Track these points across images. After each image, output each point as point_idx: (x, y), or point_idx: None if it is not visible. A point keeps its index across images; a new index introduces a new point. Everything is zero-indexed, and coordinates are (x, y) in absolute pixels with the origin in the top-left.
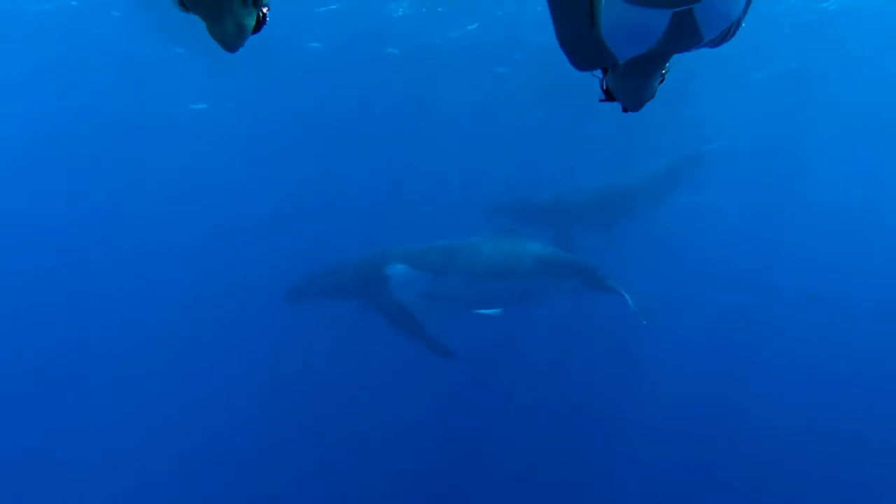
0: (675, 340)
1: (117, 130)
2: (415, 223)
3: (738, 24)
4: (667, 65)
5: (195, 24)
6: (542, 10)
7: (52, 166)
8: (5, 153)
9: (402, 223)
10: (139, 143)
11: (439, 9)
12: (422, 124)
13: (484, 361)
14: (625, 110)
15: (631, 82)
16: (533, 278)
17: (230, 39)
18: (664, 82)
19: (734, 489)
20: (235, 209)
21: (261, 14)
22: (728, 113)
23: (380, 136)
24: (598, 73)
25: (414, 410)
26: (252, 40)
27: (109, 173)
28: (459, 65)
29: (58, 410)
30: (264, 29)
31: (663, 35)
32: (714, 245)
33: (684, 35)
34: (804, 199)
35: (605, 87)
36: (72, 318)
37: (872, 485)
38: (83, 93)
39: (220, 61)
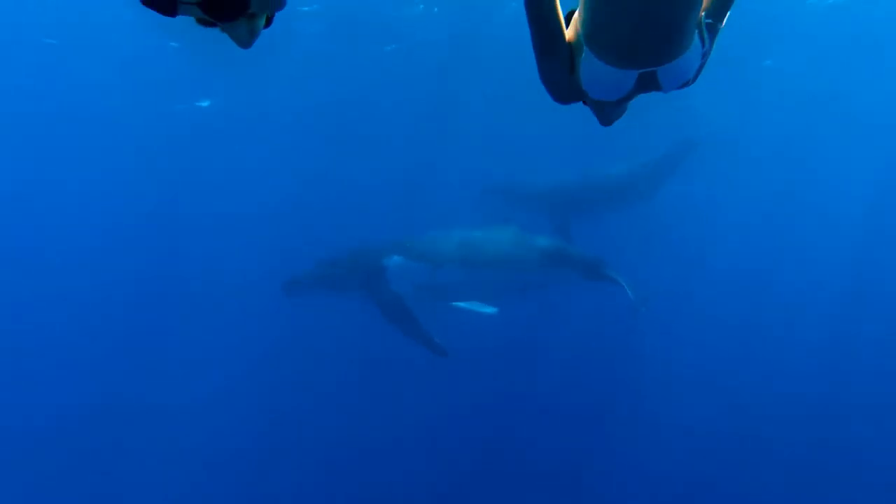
0: (673, 333)
1: (122, 126)
2: (415, 214)
3: (695, 77)
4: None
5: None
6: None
7: (54, 162)
8: (9, 149)
9: (402, 214)
10: (144, 139)
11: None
12: (426, 116)
13: (482, 360)
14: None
15: (603, 110)
16: (531, 268)
17: (244, 39)
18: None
19: (740, 490)
20: (239, 204)
21: (268, 16)
22: (725, 103)
23: (382, 131)
24: None
25: (411, 409)
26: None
27: (114, 170)
28: (464, 57)
29: (55, 409)
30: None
31: (632, 86)
32: (711, 236)
33: (649, 87)
34: (801, 191)
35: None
36: (74, 313)
37: (871, 483)
38: (87, 89)
39: (222, 58)
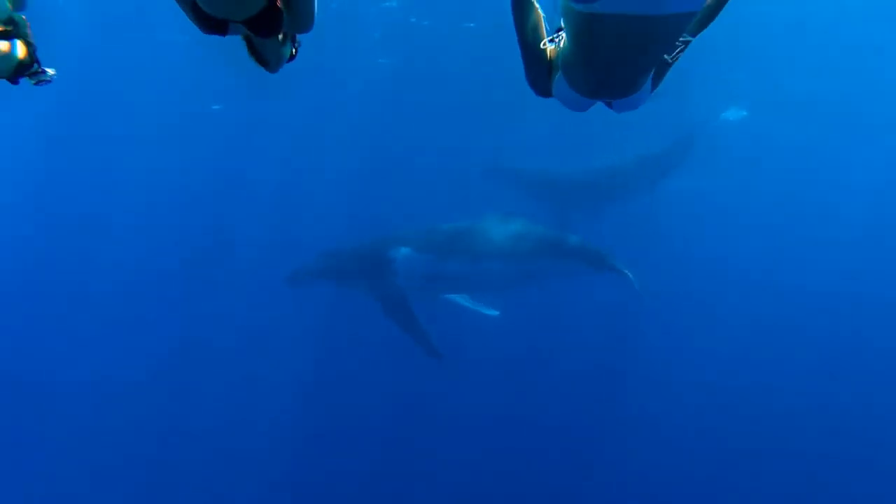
0: (674, 333)
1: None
2: (419, 205)
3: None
4: None
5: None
6: None
7: (82, 162)
8: (39, 151)
9: (407, 206)
10: (168, 139)
11: None
12: (428, 114)
13: (480, 361)
14: None
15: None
16: (535, 260)
17: (272, 66)
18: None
19: (741, 492)
20: (241, 203)
21: (294, 49)
22: (723, 97)
23: (386, 128)
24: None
25: (408, 410)
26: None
27: (138, 169)
28: (466, 46)
29: (56, 411)
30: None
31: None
32: (712, 232)
33: (607, 103)
34: (803, 189)
35: None
36: (81, 309)
37: (872, 483)
38: (112, 92)
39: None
